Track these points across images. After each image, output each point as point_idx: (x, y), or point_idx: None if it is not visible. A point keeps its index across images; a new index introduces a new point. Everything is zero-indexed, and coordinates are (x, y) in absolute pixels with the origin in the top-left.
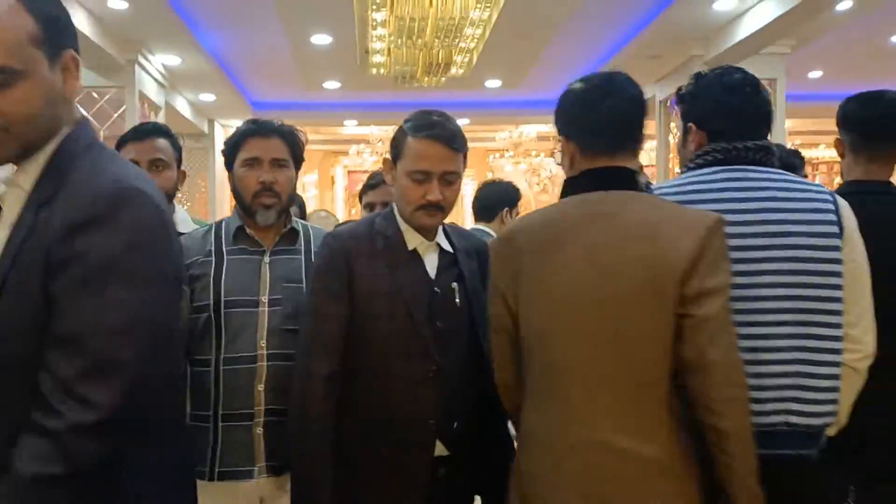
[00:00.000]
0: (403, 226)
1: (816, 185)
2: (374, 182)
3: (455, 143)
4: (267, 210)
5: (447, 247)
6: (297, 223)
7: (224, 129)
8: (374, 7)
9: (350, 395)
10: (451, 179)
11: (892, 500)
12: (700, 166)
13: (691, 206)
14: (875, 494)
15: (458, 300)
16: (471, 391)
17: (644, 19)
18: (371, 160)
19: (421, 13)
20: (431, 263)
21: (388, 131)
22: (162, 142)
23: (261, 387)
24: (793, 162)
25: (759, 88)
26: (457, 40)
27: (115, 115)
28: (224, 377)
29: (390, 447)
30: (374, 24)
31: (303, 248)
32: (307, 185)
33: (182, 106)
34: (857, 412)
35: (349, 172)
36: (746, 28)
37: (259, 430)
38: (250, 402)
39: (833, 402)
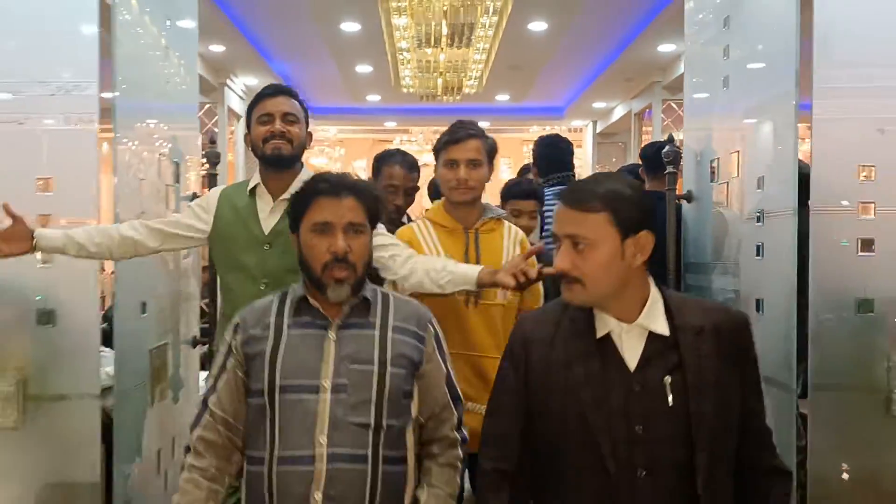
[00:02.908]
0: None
1: None
2: (459, 136)
3: (580, 202)
4: (339, 285)
5: (661, 328)
6: (376, 292)
7: None
8: (401, 50)
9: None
10: (579, 244)
11: None
12: (552, 185)
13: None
14: None
15: (670, 398)
16: None
17: (612, 55)
18: (413, 150)
19: (435, 56)
20: (633, 351)
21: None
22: (293, 101)
23: (318, 495)
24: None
25: (571, 145)
26: (463, 74)
27: (210, 123)
28: (278, 481)
29: None
30: (403, 60)
31: (378, 321)
32: (357, 169)
33: None
34: None
35: None
36: None
37: None
38: None
39: None
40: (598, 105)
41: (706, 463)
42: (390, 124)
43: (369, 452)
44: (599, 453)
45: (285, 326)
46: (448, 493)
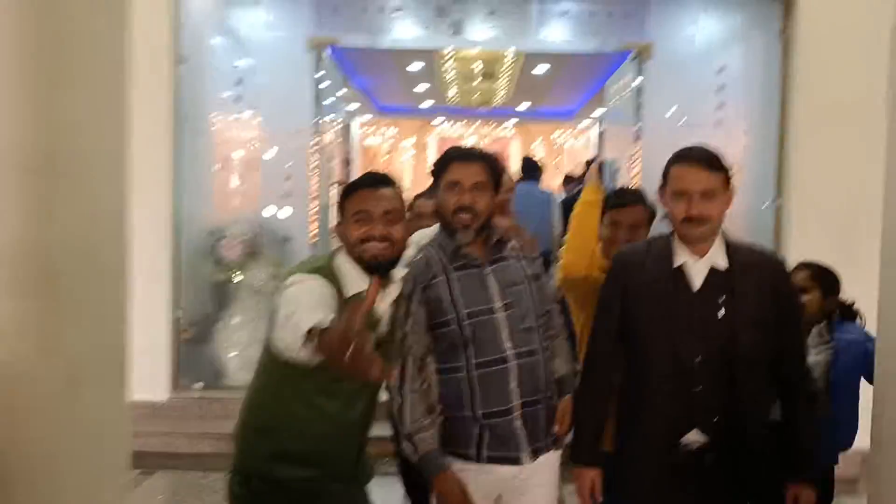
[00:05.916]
0: (677, 244)
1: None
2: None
3: (710, 164)
4: (465, 229)
5: (721, 265)
6: (503, 233)
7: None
8: (447, 82)
9: (628, 382)
10: (709, 195)
11: None
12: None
13: None
14: None
15: (720, 315)
16: (728, 389)
17: (601, 81)
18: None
19: (471, 86)
20: (698, 279)
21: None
22: (393, 193)
23: (513, 384)
24: None
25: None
26: (492, 96)
27: None
28: (480, 381)
29: (643, 444)
30: (448, 85)
31: (512, 253)
32: (404, 148)
33: None
34: None
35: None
36: None
37: (518, 423)
38: (505, 399)
39: None
40: (598, 112)
41: (743, 364)
42: (437, 120)
43: (536, 346)
44: (676, 346)
45: (450, 271)
46: (569, 359)
